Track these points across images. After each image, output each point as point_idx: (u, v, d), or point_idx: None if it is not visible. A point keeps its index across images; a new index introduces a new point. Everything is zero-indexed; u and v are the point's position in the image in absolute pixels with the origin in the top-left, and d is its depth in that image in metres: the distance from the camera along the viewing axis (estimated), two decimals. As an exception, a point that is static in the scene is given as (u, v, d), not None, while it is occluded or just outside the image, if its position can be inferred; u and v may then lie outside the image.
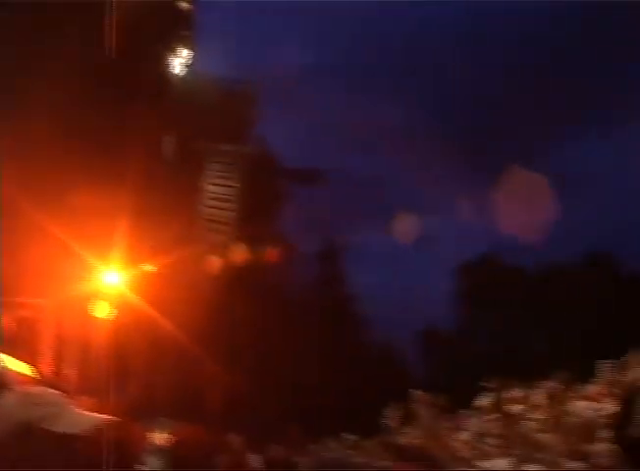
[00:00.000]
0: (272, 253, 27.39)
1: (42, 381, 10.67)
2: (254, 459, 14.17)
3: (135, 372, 17.14)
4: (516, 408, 7.46)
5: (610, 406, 6.19)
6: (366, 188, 54.68)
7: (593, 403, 6.54)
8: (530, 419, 7.00)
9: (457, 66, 48.27)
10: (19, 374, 9.40)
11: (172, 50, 19.24)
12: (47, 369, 14.41)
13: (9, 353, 11.23)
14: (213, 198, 22.20)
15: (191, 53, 19.76)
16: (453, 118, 55.97)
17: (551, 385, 7.30)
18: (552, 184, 38.54)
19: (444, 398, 9.98)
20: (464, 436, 8.82)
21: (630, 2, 28.42)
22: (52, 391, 2.60)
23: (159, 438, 11.71)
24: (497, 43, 54.61)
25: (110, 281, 16.07)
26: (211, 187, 22.26)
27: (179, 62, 19.55)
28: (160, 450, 11.68)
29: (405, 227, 35.94)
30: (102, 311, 15.49)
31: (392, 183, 65.00)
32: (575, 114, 53.19)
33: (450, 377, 24.35)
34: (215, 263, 21.04)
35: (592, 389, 6.92)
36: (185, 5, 18.60)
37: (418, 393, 10.45)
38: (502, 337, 36.18)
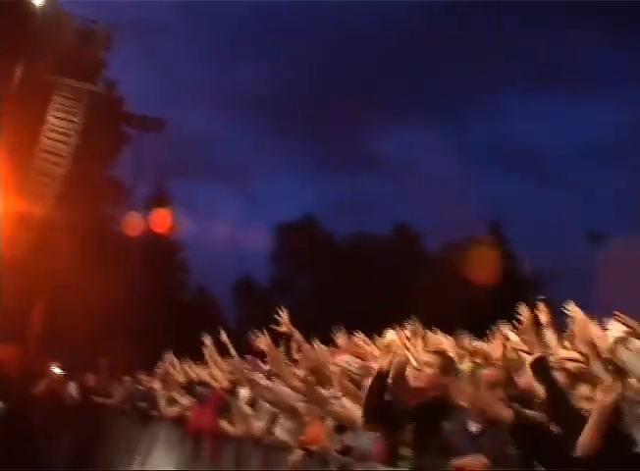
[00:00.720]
0: (103, 192, 27.32)
1: None
2: (71, 387, 14.47)
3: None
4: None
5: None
6: (203, 143, 55.29)
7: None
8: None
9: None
10: None
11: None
12: None
13: None
14: (53, 131, 21.96)
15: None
16: (291, 88, 57.36)
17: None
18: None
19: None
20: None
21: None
22: None
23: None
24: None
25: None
26: (53, 120, 22.00)
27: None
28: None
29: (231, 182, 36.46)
30: None
31: (228, 141, 65.75)
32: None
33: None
34: (45, 192, 20.89)
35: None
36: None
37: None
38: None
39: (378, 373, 5.80)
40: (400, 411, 5.74)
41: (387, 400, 5.79)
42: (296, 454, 7.19)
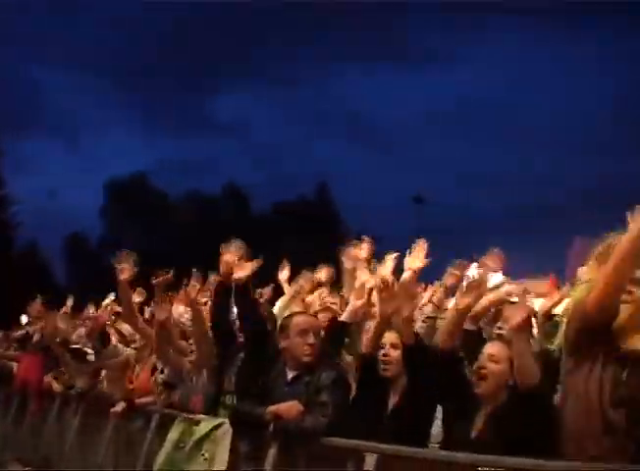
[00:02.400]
0: None
1: None
2: None
3: None
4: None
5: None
6: (34, 96, 53.25)
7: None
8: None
9: None
10: None
11: None
12: None
13: None
14: None
15: None
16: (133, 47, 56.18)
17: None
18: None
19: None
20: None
21: None
22: None
23: None
24: None
25: None
26: None
27: None
28: None
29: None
30: None
31: (61, 94, 63.64)
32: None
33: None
34: None
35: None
36: None
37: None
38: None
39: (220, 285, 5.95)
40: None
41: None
42: (120, 406, 7.11)
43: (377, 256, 5.85)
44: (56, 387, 9.25)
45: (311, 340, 5.06)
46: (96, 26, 58.81)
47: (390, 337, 5.03)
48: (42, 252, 40.35)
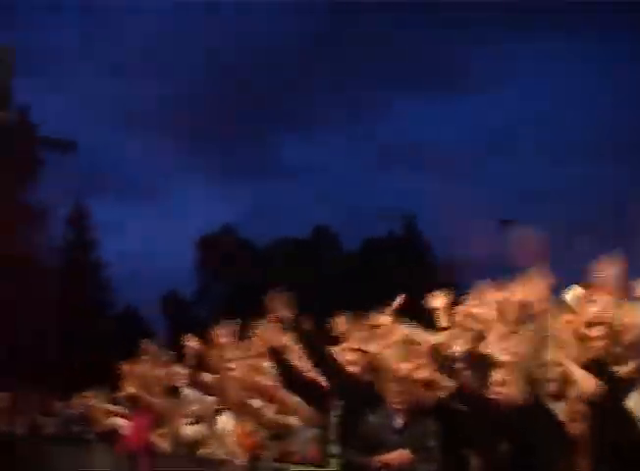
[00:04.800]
0: (20, 217, 26.71)
1: None
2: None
3: None
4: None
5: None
6: (112, 161, 54.74)
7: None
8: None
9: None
10: None
11: None
12: None
13: None
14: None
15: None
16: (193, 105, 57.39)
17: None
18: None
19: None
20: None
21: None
22: None
23: None
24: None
25: None
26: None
27: None
28: None
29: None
30: None
31: (141, 159, 65.51)
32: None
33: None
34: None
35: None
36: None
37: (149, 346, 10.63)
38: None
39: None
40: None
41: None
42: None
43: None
44: (164, 445, 9.25)
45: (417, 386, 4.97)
46: (170, 87, 60.13)
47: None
48: (139, 312, 41.04)
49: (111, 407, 11.51)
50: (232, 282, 40.33)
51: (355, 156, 64.20)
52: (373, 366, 6.04)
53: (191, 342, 8.90)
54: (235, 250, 41.44)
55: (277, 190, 60.55)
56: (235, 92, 55.48)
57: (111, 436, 11.05)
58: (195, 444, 8.45)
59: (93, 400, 12.46)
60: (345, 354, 6.18)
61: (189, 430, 8.57)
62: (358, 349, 6.64)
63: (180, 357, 9.77)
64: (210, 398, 8.19)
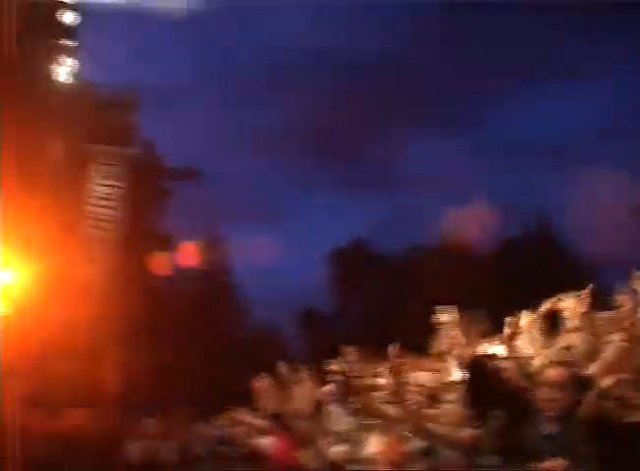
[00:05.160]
0: (156, 247, 27.42)
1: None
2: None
3: (35, 365, 17.05)
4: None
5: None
6: (240, 186, 55.57)
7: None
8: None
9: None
10: None
11: (57, 59, 19.11)
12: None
13: None
14: (99, 198, 22.11)
15: (76, 62, 19.65)
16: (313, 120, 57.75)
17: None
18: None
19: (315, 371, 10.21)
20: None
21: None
22: None
23: (63, 425, 11.73)
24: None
25: (3, 279, 15.92)
26: (97, 188, 22.16)
27: (64, 70, 19.41)
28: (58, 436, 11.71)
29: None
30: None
31: (262, 180, 66.48)
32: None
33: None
34: (104, 259, 20.97)
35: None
36: (70, 17, 18.50)
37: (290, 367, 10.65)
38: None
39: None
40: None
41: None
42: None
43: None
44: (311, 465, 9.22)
45: (568, 392, 4.77)
46: (291, 107, 60.85)
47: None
48: (276, 331, 41.44)
49: (256, 427, 11.59)
50: (368, 296, 40.22)
51: (482, 157, 63.11)
52: (524, 372, 5.89)
53: (333, 366, 8.84)
54: (368, 264, 41.35)
55: (404, 200, 60.01)
56: (357, 105, 55.51)
57: (257, 455, 11.11)
58: (342, 463, 8.37)
59: (238, 420, 12.59)
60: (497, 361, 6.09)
61: (336, 449, 8.50)
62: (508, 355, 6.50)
63: (320, 374, 9.76)
64: (356, 417, 8.11)
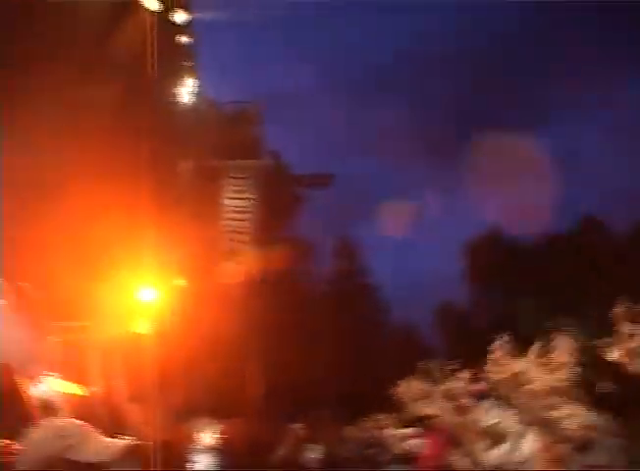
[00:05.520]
0: (292, 255, 27.61)
1: (92, 398, 10.88)
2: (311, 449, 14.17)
3: (179, 380, 17.40)
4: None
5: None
6: (370, 187, 55.47)
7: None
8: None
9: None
10: (69, 395, 9.64)
11: (178, 80, 19.47)
12: (97, 386, 14.63)
13: (59, 376, 11.49)
14: (233, 211, 22.40)
15: (196, 81, 19.98)
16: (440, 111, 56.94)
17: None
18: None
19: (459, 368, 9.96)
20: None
21: None
22: (76, 422, 2.70)
23: (207, 438, 11.89)
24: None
25: (146, 297, 16.33)
26: (231, 202, 22.46)
27: (186, 90, 19.78)
28: (209, 449, 11.84)
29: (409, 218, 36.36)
30: (142, 327, 15.71)
31: (390, 178, 66.15)
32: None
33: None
34: (240, 271, 21.23)
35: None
36: (186, 39, 18.82)
37: (434, 366, 10.44)
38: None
39: None
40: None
41: None
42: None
43: None
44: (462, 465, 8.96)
45: None
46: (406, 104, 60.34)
47: None
48: (417, 330, 41.08)
49: (405, 429, 11.40)
50: (506, 289, 39.28)
51: (608, 141, 60.84)
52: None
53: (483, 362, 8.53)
54: (504, 256, 40.41)
55: (530, 188, 58.35)
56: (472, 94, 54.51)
57: (406, 457, 10.93)
58: (498, 465, 8.06)
59: (386, 423, 12.45)
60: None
61: (491, 450, 8.19)
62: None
63: (468, 372, 9.48)
64: (509, 414, 7.77)
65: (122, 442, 2.63)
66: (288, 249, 26.96)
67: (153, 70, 16.36)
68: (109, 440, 2.62)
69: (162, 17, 16.47)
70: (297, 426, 15.14)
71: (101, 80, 15.50)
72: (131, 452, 2.68)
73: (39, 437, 2.62)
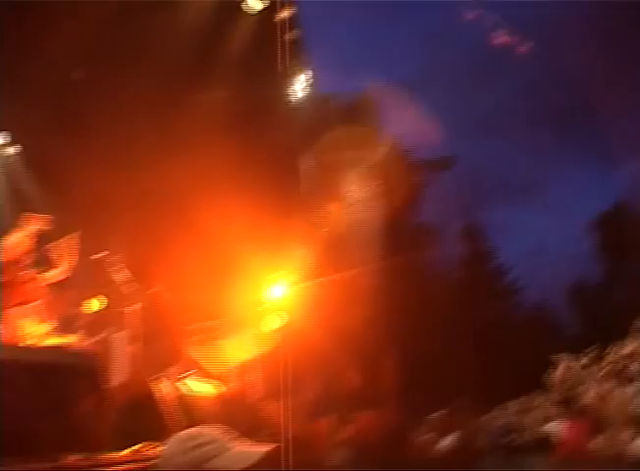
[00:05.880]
0: (420, 242, 27.38)
1: (228, 397, 11.11)
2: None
3: (313, 375, 17.51)
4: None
5: None
6: (493, 167, 54.31)
7: None
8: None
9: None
10: (206, 395, 9.86)
11: (291, 77, 19.55)
12: (232, 384, 14.91)
13: (195, 376, 11.77)
14: (357, 203, 22.33)
15: (309, 75, 19.99)
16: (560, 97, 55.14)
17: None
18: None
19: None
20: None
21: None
22: (210, 429, 2.62)
23: (344, 431, 11.89)
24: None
25: (276, 294, 16.53)
26: (353, 193, 22.40)
27: (299, 86, 19.83)
28: (346, 444, 11.84)
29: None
30: (273, 323, 15.92)
31: (514, 157, 64.66)
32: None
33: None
34: (368, 260, 21.16)
35: None
36: (294, 34, 18.84)
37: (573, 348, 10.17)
38: None
39: None
40: None
41: None
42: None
43: None
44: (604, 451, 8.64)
45: None
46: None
47: None
48: (549, 312, 40.03)
49: (547, 413, 11.15)
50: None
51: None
52: None
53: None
54: (635, 231, 38.89)
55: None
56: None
57: (546, 443, 10.65)
58: None
59: (526, 407, 12.21)
60: None
61: (635, 436, 7.88)
62: None
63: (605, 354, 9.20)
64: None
65: (261, 447, 2.54)
66: (415, 237, 26.75)
67: (266, 68, 16.54)
68: (248, 446, 2.52)
69: (267, 14, 16.61)
70: (438, 415, 14.99)
71: (217, 83, 15.77)
72: (270, 457, 2.59)
73: (173, 449, 2.54)
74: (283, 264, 16.81)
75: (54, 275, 10.09)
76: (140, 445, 6.26)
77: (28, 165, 15.51)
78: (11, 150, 15.54)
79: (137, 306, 11.06)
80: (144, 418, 7.54)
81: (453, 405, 14.99)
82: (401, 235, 24.50)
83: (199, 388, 9.96)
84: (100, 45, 13.97)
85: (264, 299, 16.26)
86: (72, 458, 5.36)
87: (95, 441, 6.29)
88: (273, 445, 2.57)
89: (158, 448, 6.31)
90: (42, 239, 10.25)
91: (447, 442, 13.97)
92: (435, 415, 14.58)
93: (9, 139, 15.41)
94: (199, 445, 2.45)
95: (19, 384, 6.10)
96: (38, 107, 14.03)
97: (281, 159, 18.96)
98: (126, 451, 6.00)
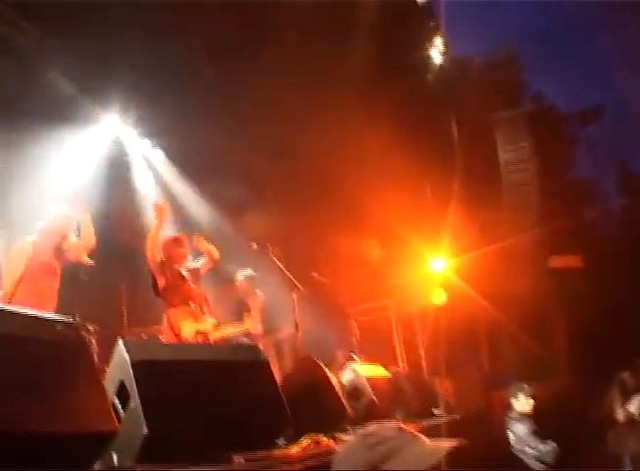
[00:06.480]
0: (579, 199, 26.26)
1: (398, 377, 10.85)
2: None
3: (485, 348, 17.13)
4: None
5: None
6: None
7: None
8: None
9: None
10: (375, 378, 9.62)
11: (427, 43, 19.18)
12: (401, 364, 14.73)
13: (362, 359, 11.57)
14: (509, 164, 21.66)
15: (445, 39, 19.54)
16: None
17: None
18: None
19: None
20: None
21: None
22: (388, 425, 2.38)
23: (521, 404, 11.44)
24: None
25: (439, 268, 16.23)
26: (504, 155, 21.73)
27: (436, 51, 19.43)
28: (524, 415, 11.43)
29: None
30: (439, 298, 15.60)
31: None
32: None
33: None
34: (527, 225, 20.46)
35: None
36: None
37: None
38: None
39: None
40: None
41: None
42: None
43: None
44: None
45: None
46: None
47: None
48: None
49: None
50: None
51: None
52: None
53: None
54: None
55: None
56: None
57: None
58: None
59: None
60: None
61: None
62: None
63: None
64: None
65: (445, 443, 2.30)
66: (572, 197, 25.65)
67: (398, 34, 16.16)
68: (430, 443, 2.29)
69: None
70: (624, 374, 14.18)
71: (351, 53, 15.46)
72: (453, 452, 2.34)
73: (350, 450, 2.37)
74: (445, 237, 16.51)
75: (201, 265, 10.10)
76: (308, 439, 6.03)
77: (179, 163, 15.52)
78: (159, 153, 15.60)
79: (301, 292, 10.94)
80: (314, 407, 7.37)
81: (635, 365, 14.17)
82: (559, 194, 23.57)
83: (367, 371, 9.73)
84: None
85: (429, 274, 16.01)
86: (242, 458, 5.18)
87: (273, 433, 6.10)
88: (455, 441, 2.33)
89: (324, 441, 6.09)
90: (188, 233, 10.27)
91: (633, 406, 13.23)
92: (626, 374, 13.78)
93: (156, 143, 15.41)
94: (378, 445, 2.27)
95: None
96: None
97: (437, 127, 18.72)
98: (296, 447, 5.76)
